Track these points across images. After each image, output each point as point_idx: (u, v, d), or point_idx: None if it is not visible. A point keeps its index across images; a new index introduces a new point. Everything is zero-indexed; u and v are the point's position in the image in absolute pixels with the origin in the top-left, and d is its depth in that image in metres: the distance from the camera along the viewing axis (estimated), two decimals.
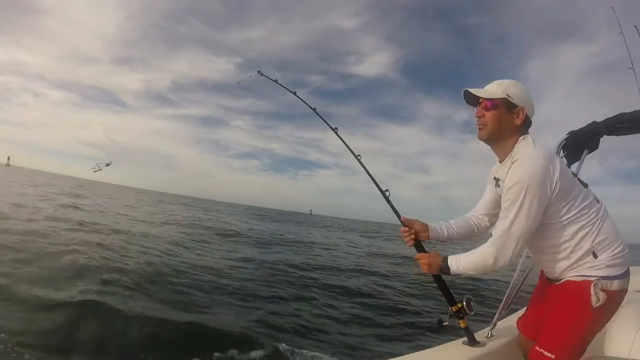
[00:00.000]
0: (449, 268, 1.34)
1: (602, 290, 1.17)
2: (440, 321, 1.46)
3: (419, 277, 7.87)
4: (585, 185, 1.29)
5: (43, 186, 22.02)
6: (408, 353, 1.42)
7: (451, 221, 1.59)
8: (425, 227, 1.55)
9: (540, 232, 1.24)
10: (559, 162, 1.21)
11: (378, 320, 4.86)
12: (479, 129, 1.32)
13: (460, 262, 1.32)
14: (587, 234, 1.20)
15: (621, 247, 1.22)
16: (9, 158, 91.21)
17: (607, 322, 1.30)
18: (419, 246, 1.53)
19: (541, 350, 1.22)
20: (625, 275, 1.22)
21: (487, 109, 1.29)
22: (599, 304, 1.16)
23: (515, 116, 1.26)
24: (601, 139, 1.95)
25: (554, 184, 1.16)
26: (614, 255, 1.20)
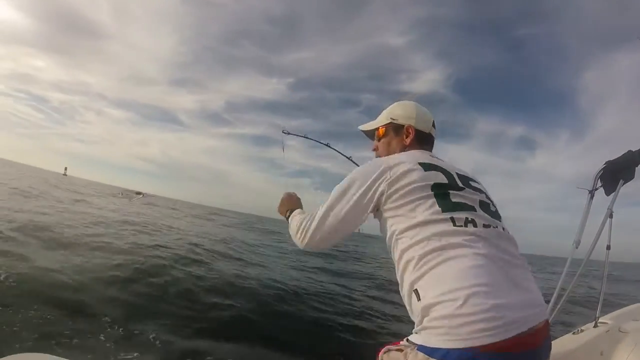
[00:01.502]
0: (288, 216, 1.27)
1: None
2: None
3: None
4: (451, 207, 0.93)
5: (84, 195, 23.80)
6: None
7: None
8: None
9: (386, 240, 1.02)
10: (406, 163, 1.01)
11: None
12: None
13: (293, 218, 1.18)
14: (409, 255, 0.88)
15: (460, 295, 0.74)
16: (66, 169, 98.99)
17: None
18: None
19: None
20: (461, 356, 0.71)
21: (378, 139, 1.24)
22: None
23: (404, 136, 1.18)
24: (637, 168, 2.01)
25: (388, 179, 0.97)
26: (440, 305, 0.76)
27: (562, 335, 1.76)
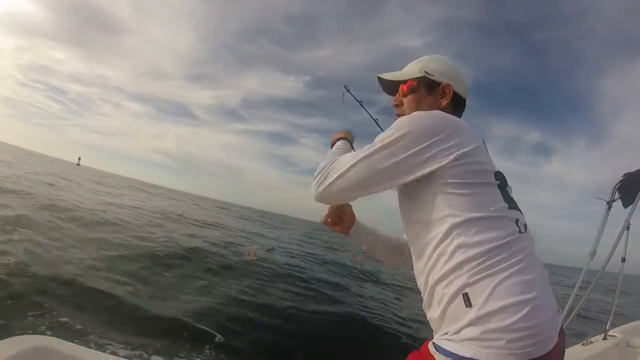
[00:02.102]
0: None
1: None
2: None
3: None
4: (512, 204, 0.83)
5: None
6: None
7: (386, 234, 1.23)
8: (353, 219, 1.19)
9: (416, 219, 0.87)
10: (475, 135, 0.85)
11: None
12: None
13: (328, 153, 0.99)
14: (469, 253, 0.74)
15: (512, 311, 0.68)
16: (79, 159, 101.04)
17: None
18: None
19: None
20: None
21: (404, 95, 1.03)
22: None
23: (439, 96, 0.99)
24: None
25: (459, 145, 0.79)
26: (494, 320, 0.68)
27: (571, 346, 1.75)
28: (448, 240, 0.77)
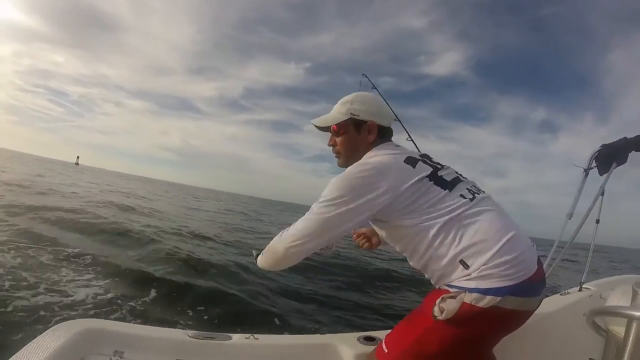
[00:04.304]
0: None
1: (466, 304, 0.90)
2: None
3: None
4: (451, 183, 1.04)
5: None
6: None
7: None
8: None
9: (396, 240, 1.07)
10: (396, 167, 1.01)
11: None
12: (336, 157, 1.21)
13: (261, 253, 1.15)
14: (446, 239, 0.95)
15: (498, 253, 0.91)
16: (78, 158, 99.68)
17: (483, 342, 1.03)
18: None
19: (383, 344, 1.07)
20: (508, 291, 0.89)
21: (337, 135, 1.18)
22: (442, 317, 0.91)
23: (367, 133, 1.14)
24: (630, 154, 2.19)
25: (380, 191, 0.96)
26: (487, 264, 0.91)
27: (550, 296, 1.98)
28: (423, 240, 0.98)
